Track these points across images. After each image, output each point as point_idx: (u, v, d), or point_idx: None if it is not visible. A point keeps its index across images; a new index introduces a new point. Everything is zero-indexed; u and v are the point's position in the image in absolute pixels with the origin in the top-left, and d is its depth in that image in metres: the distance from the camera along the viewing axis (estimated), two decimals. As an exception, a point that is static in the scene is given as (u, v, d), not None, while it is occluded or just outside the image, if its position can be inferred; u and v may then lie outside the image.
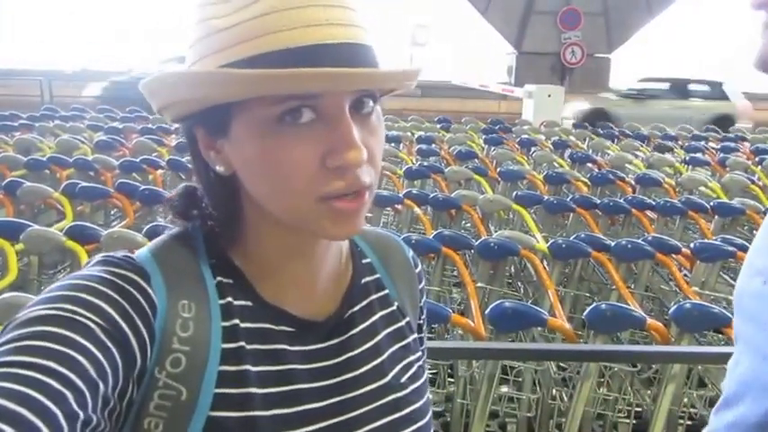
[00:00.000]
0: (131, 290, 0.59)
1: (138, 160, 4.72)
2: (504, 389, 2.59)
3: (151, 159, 4.81)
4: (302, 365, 0.66)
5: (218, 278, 0.65)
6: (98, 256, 0.63)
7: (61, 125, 6.67)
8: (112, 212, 4.32)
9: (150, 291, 0.60)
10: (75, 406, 0.49)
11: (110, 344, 0.54)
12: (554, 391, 2.60)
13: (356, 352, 0.70)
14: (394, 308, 0.77)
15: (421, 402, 0.74)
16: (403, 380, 0.73)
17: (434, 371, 2.77)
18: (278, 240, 0.66)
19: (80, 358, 0.51)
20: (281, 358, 0.65)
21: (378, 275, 0.77)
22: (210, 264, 0.65)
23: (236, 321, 0.63)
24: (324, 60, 0.55)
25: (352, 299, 0.72)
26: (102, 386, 0.52)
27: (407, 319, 0.78)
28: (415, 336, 0.78)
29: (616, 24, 12.69)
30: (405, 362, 0.74)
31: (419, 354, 0.78)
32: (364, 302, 0.73)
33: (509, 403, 2.59)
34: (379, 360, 0.71)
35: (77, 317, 0.54)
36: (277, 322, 0.66)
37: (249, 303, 0.65)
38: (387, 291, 0.77)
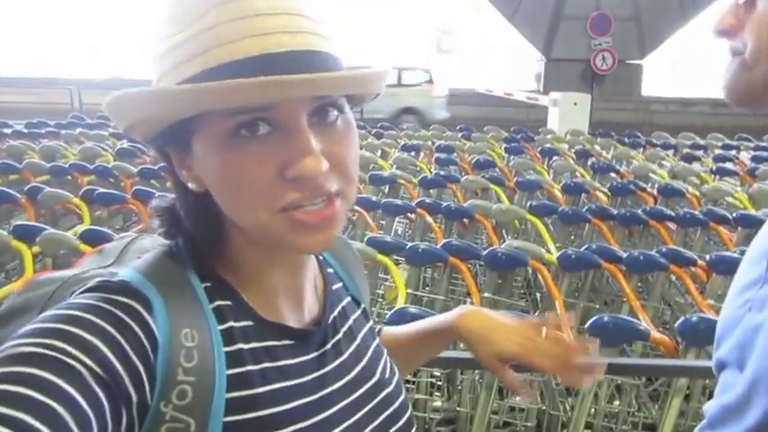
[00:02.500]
0: (130, 323, 0.57)
1: (156, 168, 4.84)
2: (519, 400, 2.61)
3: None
4: (309, 376, 0.67)
5: (217, 302, 0.64)
6: (95, 280, 0.60)
7: (85, 133, 6.87)
8: (133, 218, 4.44)
9: (151, 322, 0.58)
10: None
11: (97, 388, 0.51)
12: (558, 402, 2.61)
13: (346, 355, 0.73)
14: (362, 309, 0.82)
15: (404, 394, 0.79)
16: (387, 375, 0.77)
17: (435, 379, 2.80)
18: (259, 255, 0.66)
19: (61, 411, 0.48)
20: (289, 375, 0.66)
21: (341, 283, 0.81)
22: (205, 287, 0.64)
23: (241, 345, 0.63)
24: (271, 70, 0.54)
25: (330, 305, 0.75)
26: None
27: (372, 321, 0.83)
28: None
29: (648, 29, 12.49)
30: (384, 357, 0.79)
31: (385, 351, 0.82)
32: (339, 307, 0.77)
33: (516, 413, 2.61)
34: (365, 360, 0.75)
35: (66, 358, 0.51)
36: (279, 337, 0.67)
37: (250, 323, 0.65)
38: (351, 293, 0.82)
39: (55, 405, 0.48)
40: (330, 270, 0.80)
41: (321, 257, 0.80)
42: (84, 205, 3.84)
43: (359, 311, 0.81)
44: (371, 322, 0.83)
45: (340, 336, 0.74)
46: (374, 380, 0.75)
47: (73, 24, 13.54)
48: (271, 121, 0.58)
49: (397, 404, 0.76)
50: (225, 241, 0.66)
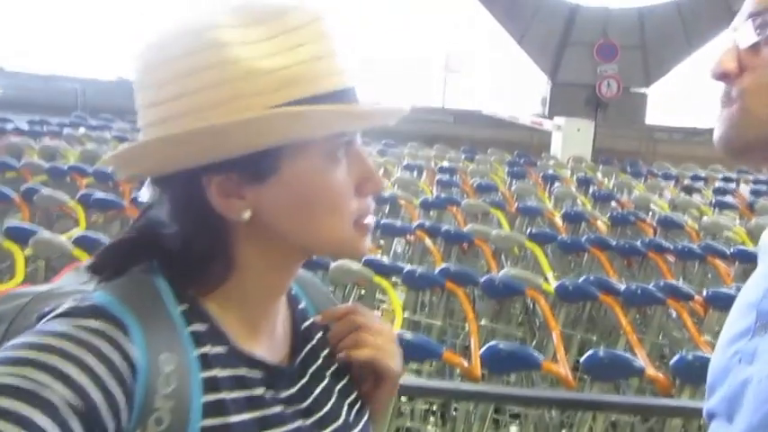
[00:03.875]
0: (107, 350, 0.56)
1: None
2: (513, 429, 2.58)
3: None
4: (277, 409, 0.67)
5: (193, 326, 0.63)
6: (66, 305, 0.59)
7: (88, 134, 6.86)
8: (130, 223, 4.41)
9: (129, 347, 0.57)
10: None
11: (72, 421, 0.51)
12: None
13: (315, 395, 0.72)
14: (329, 349, 0.78)
15: None
16: (352, 417, 0.75)
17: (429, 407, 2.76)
18: (264, 281, 0.67)
19: None
20: (261, 404, 0.65)
21: (312, 319, 0.78)
22: (182, 311, 0.63)
23: (216, 372, 0.62)
24: (351, 101, 0.63)
25: (298, 345, 0.74)
26: None
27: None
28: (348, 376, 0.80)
29: (654, 58, 12.54)
30: (350, 398, 0.77)
31: (355, 391, 0.79)
32: (308, 348, 0.75)
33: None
34: (332, 401, 0.74)
35: (41, 390, 0.50)
36: (251, 368, 0.66)
37: (223, 350, 0.64)
38: (321, 333, 0.78)
39: None
40: (302, 306, 0.79)
41: (293, 292, 0.78)
42: (81, 209, 3.81)
43: (328, 349, 0.78)
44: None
45: (307, 378, 0.72)
46: (339, 422, 0.73)
47: (81, 24, 13.58)
48: (347, 146, 0.65)
49: None
50: (226, 268, 0.65)
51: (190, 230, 0.64)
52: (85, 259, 0.75)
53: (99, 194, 3.99)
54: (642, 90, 12.98)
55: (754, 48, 0.64)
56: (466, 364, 2.25)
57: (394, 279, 3.01)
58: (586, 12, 13.23)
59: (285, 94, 0.59)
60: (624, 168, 7.51)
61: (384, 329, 0.78)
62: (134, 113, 0.65)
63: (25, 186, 4.12)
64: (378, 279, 2.77)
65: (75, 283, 0.71)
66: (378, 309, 3.09)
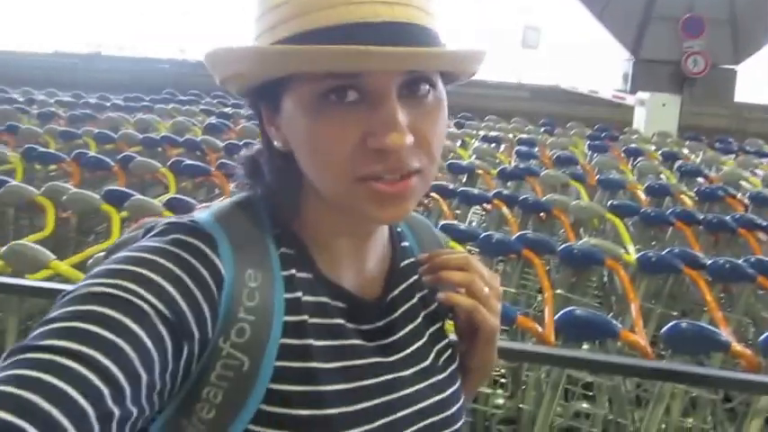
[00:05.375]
0: (196, 263, 0.57)
1: (241, 143, 4.93)
2: (585, 405, 2.50)
3: (254, 143, 5.01)
4: (355, 341, 0.66)
5: (282, 248, 0.64)
6: (164, 222, 0.62)
7: (177, 108, 7.11)
8: (216, 190, 4.55)
9: (216, 260, 0.59)
10: (110, 404, 0.48)
11: (163, 329, 0.53)
12: (627, 411, 2.47)
13: (400, 334, 0.70)
14: (427, 291, 0.76)
15: (457, 385, 0.74)
16: (440, 362, 0.73)
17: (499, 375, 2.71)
18: (331, 217, 0.66)
19: (128, 349, 0.50)
20: (341, 333, 0.65)
21: (414, 259, 0.76)
22: (274, 234, 0.65)
23: (299, 294, 0.63)
24: (363, 38, 0.54)
25: (393, 282, 0.72)
26: (145, 377, 0.51)
27: (435, 304, 0.77)
28: (442, 323, 0.78)
29: (744, 34, 11.72)
30: (441, 344, 0.75)
31: (449, 339, 0.77)
32: (404, 285, 0.73)
33: (582, 418, 2.49)
34: (420, 342, 0.72)
35: (134, 298, 0.52)
36: (333, 297, 0.66)
37: (310, 276, 0.65)
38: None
39: (123, 343, 0.50)
40: (405, 244, 0.77)
41: (399, 230, 0.77)
42: (171, 175, 3.96)
43: (425, 291, 0.76)
44: (436, 305, 0.76)
45: (397, 315, 0.71)
46: (425, 363, 0.71)
47: (170, 9, 14.11)
48: (360, 89, 0.57)
49: (448, 393, 0.72)
50: (302, 199, 0.66)
51: (265, 154, 0.68)
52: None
53: (188, 162, 4.13)
54: (731, 67, 12.20)
55: None
56: (540, 329, 2.19)
57: (469, 247, 2.96)
58: (672, -17, 12.46)
59: (279, 31, 0.58)
60: (712, 144, 7.05)
61: (493, 284, 0.73)
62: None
63: (122, 155, 4.31)
64: (453, 244, 2.73)
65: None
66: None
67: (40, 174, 4.43)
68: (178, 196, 3.29)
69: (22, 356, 0.48)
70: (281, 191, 0.66)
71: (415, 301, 0.74)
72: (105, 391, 0.47)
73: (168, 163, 4.10)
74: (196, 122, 6.09)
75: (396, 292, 0.72)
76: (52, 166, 4.46)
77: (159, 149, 5.02)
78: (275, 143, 0.64)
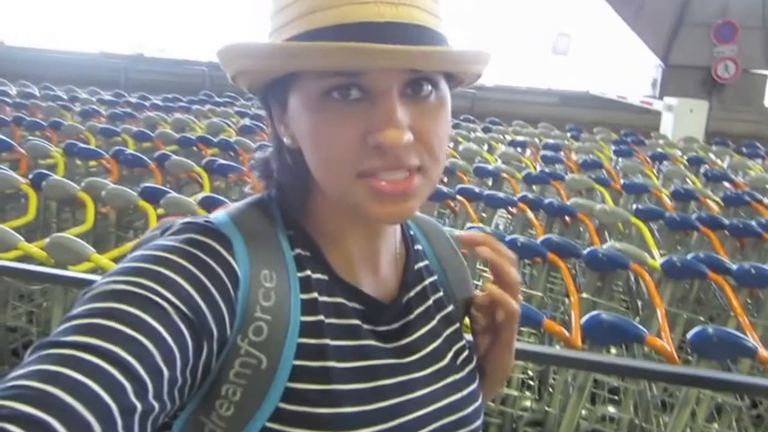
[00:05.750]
0: (211, 262, 0.57)
1: (273, 144, 4.96)
2: (611, 409, 2.46)
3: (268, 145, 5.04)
4: (371, 342, 0.66)
5: (297, 250, 0.64)
6: (180, 222, 0.62)
7: (213, 109, 7.19)
8: (248, 189, 4.59)
9: (231, 260, 0.59)
10: (133, 398, 0.47)
11: (182, 325, 0.53)
12: (653, 416, 2.42)
13: (416, 335, 0.70)
14: (442, 294, 0.76)
15: (475, 384, 0.74)
16: (458, 362, 0.73)
17: (527, 377, 2.68)
18: (341, 216, 0.66)
19: (148, 344, 0.50)
20: (357, 334, 0.65)
21: (427, 262, 0.76)
22: (288, 235, 0.65)
23: (315, 295, 0.63)
24: (366, 38, 0.53)
25: (408, 283, 0.72)
26: (166, 372, 0.50)
27: (452, 307, 0.77)
28: (459, 324, 0.77)
29: (776, 39, 11.44)
30: (458, 345, 0.74)
31: (465, 340, 0.77)
32: (419, 287, 0.73)
33: (607, 422, 2.46)
34: (437, 343, 0.71)
35: (153, 295, 0.52)
36: (350, 298, 0.66)
37: (325, 277, 0.65)
38: (436, 277, 0.77)
39: (143, 339, 0.50)
40: (418, 247, 0.76)
41: (411, 233, 0.77)
42: (206, 174, 3.99)
43: (440, 294, 0.76)
44: (452, 307, 0.76)
45: (412, 317, 0.70)
46: (442, 363, 0.71)
47: (210, 14, 14.31)
48: (362, 87, 0.57)
49: (466, 392, 0.71)
50: (311, 197, 0.67)
51: (275, 154, 0.68)
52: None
53: (221, 162, 4.16)
54: (762, 72, 11.92)
55: None
56: (567, 333, 2.16)
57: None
58: (704, -9, 12.23)
59: (290, 28, 0.58)
60: (739, 150, 6.87)
61: (514, 275, 0.73)
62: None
63: (158, 153, 4.37)
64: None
65: None
66: (478, 278, 3.02)
67: (81, 169, 4.51)
68: (212, 195, 3.32)
69: (44, 352, 0.48)
70: (290, 188, 0.66)
71: (429, 303, 0.73)
72: (127, 385, 0.47)
73: (203, 162, 4.14)
74: (231, 123, 6.14)
75: (411, 293, 0.72)
76: (92, 162, 4.54)
77: (194, 149, 5.07)
78: (285, 140, 0.64)
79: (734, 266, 2.78)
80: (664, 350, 2.11)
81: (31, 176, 3.40)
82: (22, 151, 4.43)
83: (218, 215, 0.64)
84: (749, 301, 3.16)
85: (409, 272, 0.73)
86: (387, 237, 0.70)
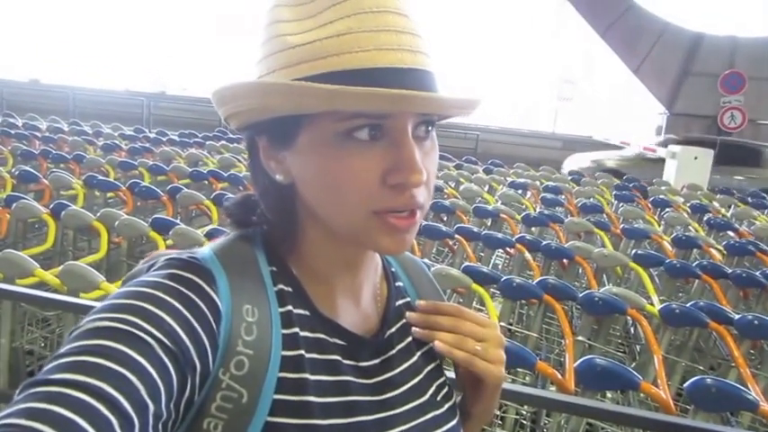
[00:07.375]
0: (194, 297, 0.57)
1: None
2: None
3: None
4: (355, 378, 0.66)
5: (279, 285, 0.64)
6: (164, 258, 0.62)
7: (226, 145, 7.29)
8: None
9: (214, 294, 0.59)
10: None
11: (166, 359, 0.52)
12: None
13: (397, 371, 0.70)
14: None
15: (455, 421, 0.73)
16: (439, 398, 0.73)
17: (521, 417, 2.60)
18: (330, 251, 0.66)
19: (134, 380, 0.49)
20: (336, 369, 0.64)
21: (408, 299, 0.77)
22: (271, 270, 0.65)
23: (297, 330, 0.63)
24: (392, 82, 0.55)
25: (389, 319, 0.72)
26: (152, 407, 0.50)
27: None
28: (439, 361, 0.77)
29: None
30: (439, 380, 0.74)
31: (445, 377, 0.76)
32: (399, 324, 0.73)
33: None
34: (418, 378, 0.71)
35: (137, 331, 0.52)
36: (331, 334, 0.66)
37: (307, 313, 0.65)
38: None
39: (129, 374, 0.49)
40: (399, 284, 0.77)
41: (392, 270, 0.77)
42: (214, 207, 4.01)
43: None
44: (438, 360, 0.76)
45: (394, 351, 0.71)
46: (423, 399, 0.70)
47: (228, 54, 14.67)
48: (382, 129, 0.58)
49: (446, 428, 0.71)
50: (297, 233, 0.67)
51: (260, 190, 0.67)
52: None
53: (230, 195, 4.17)
54: (768, 123, 11.87)
55: None
56: (560, 376, 2.09)
57: (492, 290, 2.88)
58: (712, 41, 12.35)
59: (303, 69, 0.57)
60: (744, 199, 6.77)
61: (488, 335, 0.72)
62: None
63: (171, 186, 4.42)
64: (476, 287, 2.66)
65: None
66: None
67: (99, 200, 4.59)
68: (219, 227, 3.32)
69: (32, 390, 0.47)
70: (280, 223, 0.66)
71: (410, 339, 0.73)
72: (114, 421, 0.47)
73: (211, 195, 4.18)
74: (241, 159, 6.19)
75: (393, 329, 0.72)
76: (110, 194, 4.62)
77: (206, 182, 5.10)
78: (277, 177, 0.64)
79: (736, 316, 2.69)
80: (659, 398, 2.03)
81: (51, 206, 3.51)
82: (47, 182, 4.56)
83: (203, 250, 0.64)
84: (752, 352, 3.07)
85: (390, 308, 0.73)
86: (369, 272, 0.71)
